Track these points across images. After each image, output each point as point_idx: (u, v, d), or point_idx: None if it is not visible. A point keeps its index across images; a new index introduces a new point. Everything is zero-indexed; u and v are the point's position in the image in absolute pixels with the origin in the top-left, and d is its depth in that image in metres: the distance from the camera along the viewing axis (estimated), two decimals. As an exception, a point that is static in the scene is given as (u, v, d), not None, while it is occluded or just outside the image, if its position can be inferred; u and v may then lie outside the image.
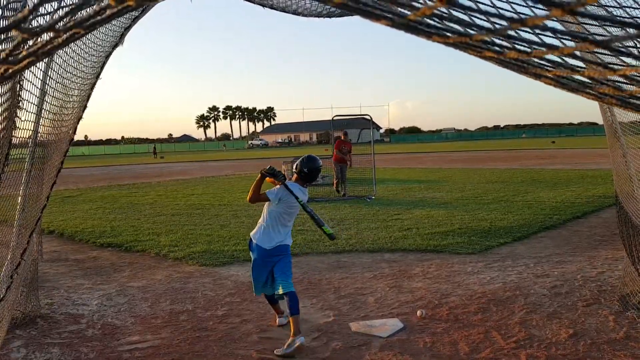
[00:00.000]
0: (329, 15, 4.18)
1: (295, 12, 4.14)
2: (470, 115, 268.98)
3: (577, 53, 0.91)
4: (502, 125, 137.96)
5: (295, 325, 4.22)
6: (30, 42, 0.94)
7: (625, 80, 1.03)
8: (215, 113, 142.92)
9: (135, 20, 3.81)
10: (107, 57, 3.78)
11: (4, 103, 2.33)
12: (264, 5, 4.24)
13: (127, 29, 3.81)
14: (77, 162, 45.11)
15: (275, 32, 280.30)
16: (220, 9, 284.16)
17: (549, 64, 0.93)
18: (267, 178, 4.44)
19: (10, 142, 2.58)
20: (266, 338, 4.54)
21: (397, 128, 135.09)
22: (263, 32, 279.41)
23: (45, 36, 0.91)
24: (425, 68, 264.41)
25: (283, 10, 4.23)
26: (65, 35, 0.90)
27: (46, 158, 3.54)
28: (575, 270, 6.26)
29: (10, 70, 0.97)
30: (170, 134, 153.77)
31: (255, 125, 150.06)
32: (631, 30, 0.85)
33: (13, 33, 0.88)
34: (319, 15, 4.21)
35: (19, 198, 3.39)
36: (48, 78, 2.94)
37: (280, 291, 4.36)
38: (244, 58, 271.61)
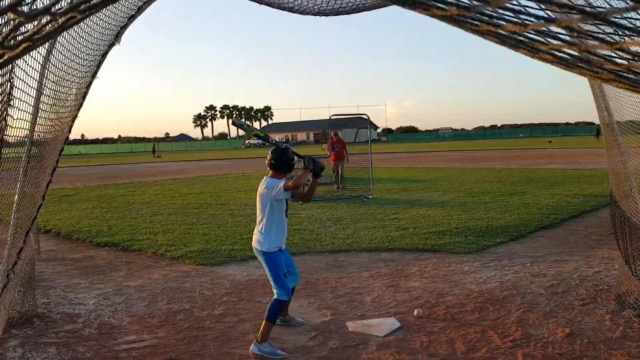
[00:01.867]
0: (326, 13, 4.17)
1: (291, 10, 4.12)
2: (468, 114, 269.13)
3: (575, 27, 0.91)
4: (499, 125, 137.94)
5: (262, 329, 4.20)
6: (26, 27, 0.93)
7: (622, 55, 1.03)
8: (213, 112, 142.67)
9: (131, 18, 3.79)
10: (104, 55, 3.77)
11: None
12: (260, 3, 4.22)
13: (124, 27, 3.80)
14: (73, 161, 45.00)
15: (273, 31, 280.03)
16: (218, 7, 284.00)
17: (545, 38, 0.93)
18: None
19: (1, 141, 2.56)
20: (263, 337, 4.53)
21: (394, 127, 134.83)
22: (260, 31, 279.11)
23: (42, 20, 0.90)
24: (423, 68, 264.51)
25: (280, 7, 4.21)
26: (61, 20, 0.89)
27: (42, 157, 3.52)
28: (572, 269, 6.27)
29: (6, 56, 0.96)
30: (167, 133, 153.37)
31: (252, 124, 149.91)
32: (630, 2, 0.84)
33: (9, 15, 0.87)
34: (314, 13, 4.19)
35: (15, 197, 3.37)
36: (44, 79, 2.93)
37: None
38: (241, 57, 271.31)
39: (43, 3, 1.03)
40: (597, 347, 4.04)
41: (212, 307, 5.37)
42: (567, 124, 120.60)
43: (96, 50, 3.53)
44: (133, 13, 3.74)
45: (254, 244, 4.36)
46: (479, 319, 4.76)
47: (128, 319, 5.10)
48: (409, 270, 6.50)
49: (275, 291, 4.27)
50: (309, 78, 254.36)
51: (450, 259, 6.99)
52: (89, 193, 17.32)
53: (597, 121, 5.31)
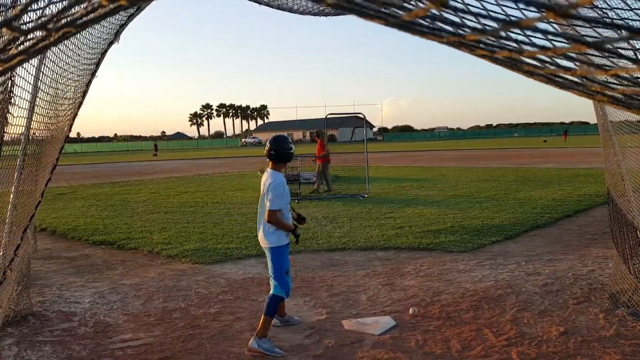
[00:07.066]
0: (326, 14, 4.18)
1: (291, 10, 4.12)
2: (463, 114, 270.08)
3: (569, 53, 0.92)
4: (494, 124, 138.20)
5: (261, 323, 4.21)
6: (21, 40, 0.94)
7: (616, 80, 1.05)
8: (209, 111, 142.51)
9: (130, 17, 3.79)
10: (103, 54, 3.76)
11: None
12: (260, 3, 4.23)
13: (123, 26, 3.79)
14: (69, 159, 44.82)
15: (269, 30, 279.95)
16: (215, 6, 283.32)
17: (541, 63, 0.94)
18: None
19: (2, 138, 2.56)
20: (259, 336, 4.54)
21: (390, 126, 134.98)
22: (257, 30, 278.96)
23: (37, 34, 0.91)
24: (418, 67, 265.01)
25: (279, 7, 4.22)
26: (56, 35, 0.90)
27: (40, 155, 3.51)
28: (566, 268, 6.31)
29: (0, 68, 0.97)
30: (163, 132, 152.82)
31: (248, 123, 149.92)
32: (623, 32, 0.86)
33: (4, 31, 0.88)
34: (314, 13, 4.20)
35: (11, 195, 3.37)
36: (41, 74, 2.93)
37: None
38: (238, 56, 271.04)
39: (37, 17, 1.04)
40: (590, 346, 4.07)
41: (208, 305, 5.38)
42: (562, 123, 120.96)
43: (96, 49, 3.53)
44: (132, 12, 3.73)
45: (265, 239, 4.35)
46: (473, 318, 4.78)
47: (124, 317, 5.10)
48: (404, 268, 6.52)
49: (274, 285, 4.30)
50: (305, 77, 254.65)
51: (445, 257, 7.02)
52: (85, 191, 17.27)
53: (591, 121, 5.35)
